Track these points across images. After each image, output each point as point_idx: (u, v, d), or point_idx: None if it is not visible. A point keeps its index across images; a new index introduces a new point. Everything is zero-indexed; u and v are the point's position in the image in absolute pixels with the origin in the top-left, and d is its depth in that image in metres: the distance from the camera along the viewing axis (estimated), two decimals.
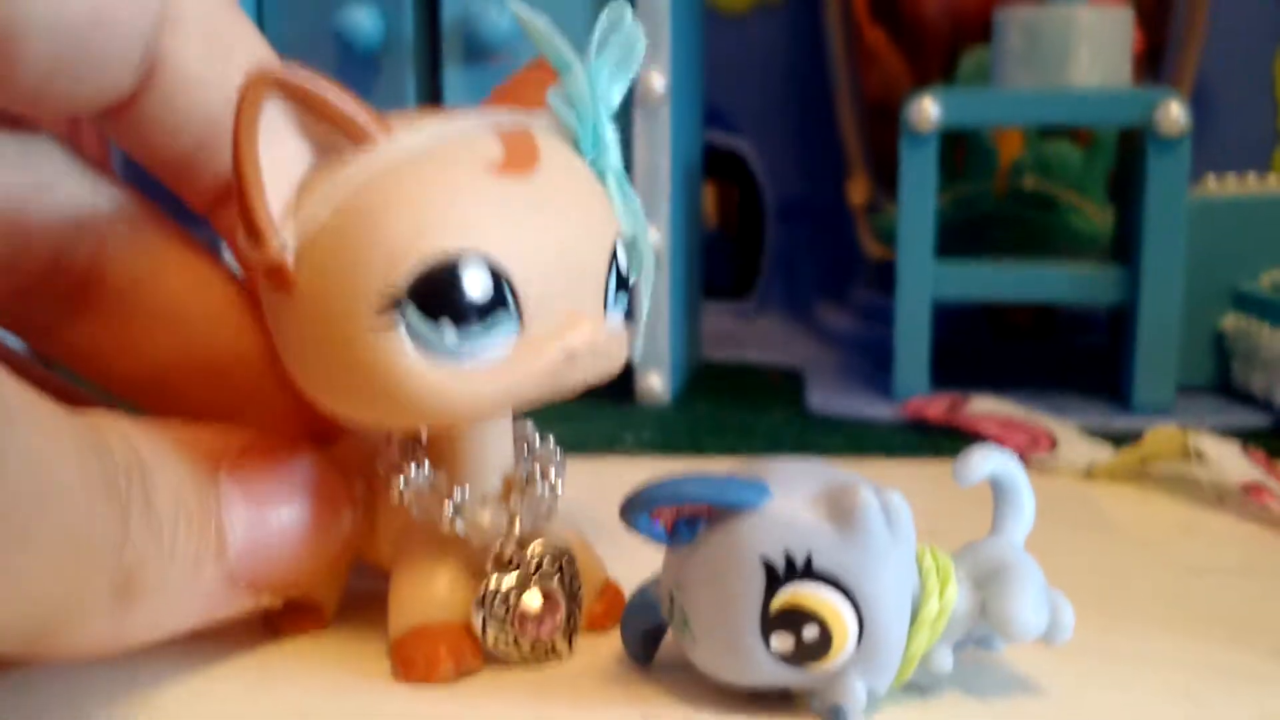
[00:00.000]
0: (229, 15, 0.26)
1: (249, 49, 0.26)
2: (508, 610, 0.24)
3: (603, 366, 0.24)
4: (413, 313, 0.21)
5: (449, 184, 0.22)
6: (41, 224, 0.25)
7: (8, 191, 0.25)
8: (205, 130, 0.26)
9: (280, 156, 0.22)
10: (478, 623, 0.24)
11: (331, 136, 0.22)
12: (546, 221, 0.22)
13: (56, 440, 0.20)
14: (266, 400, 0.27)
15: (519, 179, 0.22)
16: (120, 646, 0.22)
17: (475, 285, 0.21)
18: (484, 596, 0.24)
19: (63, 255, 0.26)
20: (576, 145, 0.24)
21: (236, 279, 0.28)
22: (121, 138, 0.26)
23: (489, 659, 0.25)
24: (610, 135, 0.25)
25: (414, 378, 0.22)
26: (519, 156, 0.23)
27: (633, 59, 0.25)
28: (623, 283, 0.24)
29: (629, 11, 0.24)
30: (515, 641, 0.24)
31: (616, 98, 0.25)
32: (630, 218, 0.25)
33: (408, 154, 0.22)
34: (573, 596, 0.25)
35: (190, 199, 0.28)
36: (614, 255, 0.24)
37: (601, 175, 0.25)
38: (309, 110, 0.22)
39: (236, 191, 0.21)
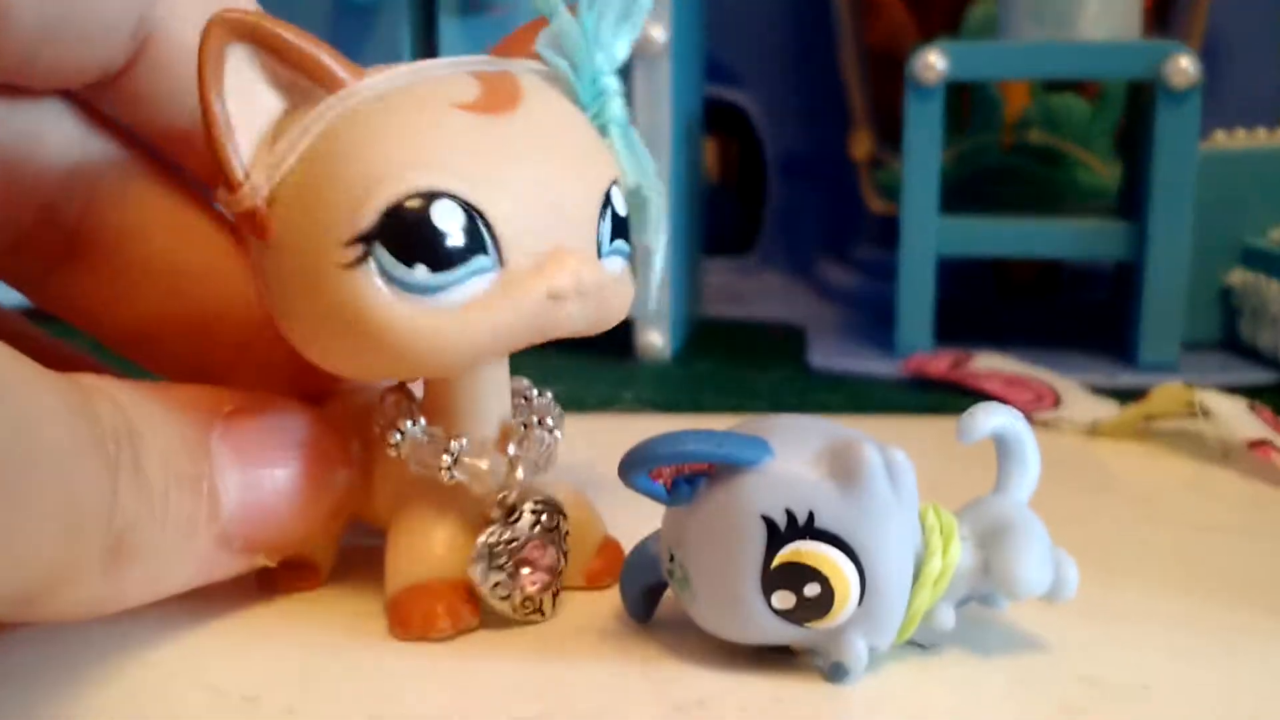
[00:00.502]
0: None
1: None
2: (509, 558, 0.24)
3: (594, 313, 0.23)
4: (382, 251, 0.21)
5: (418, 121, 0.22)
6: (32, 175, 0.25)
7: None
8: None
9: (249, 102, 0.22)
10: (477, 570, 0.24)
11: (300, 81, 0.22)
12: (524, 158, 0.22)
13: (45, 403, 0.19)
14: (259, 354, 0.26)
15: (494, 117, 0.22)
16: (114, 608, 0.22)
17: (447, 222, 0.21)
18: (488, 541, 0.24)
19: (53, 207, 0.26)
20: (574, 96, 0.24)
21: (229, 231, 0.27)
22: (118, 110, 0.26)
23: (485, 615, 0.24)
24: (611, 85, 0.24)
25: (389, 318, 0.21)
26: (496, 96, 0.22)
27: (636, 10, 0.24)
28: (620, 230, 0.24)
29: None
30: (508, 594, 0.24)
31: (620, 50, 0.24)
32: (635, 169, 0.25)
33: (376, 95, 0.22)
34: (562, 555, 0.25)
35: (194, 169, 0.27)
36: (608, 200, 0.23)
37: (603, 127, 0.24)
38: (274, 55, 0.22)
39: (205, 138, 0.21)
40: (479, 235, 0.21)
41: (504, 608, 0.24)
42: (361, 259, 0.21)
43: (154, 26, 0.24)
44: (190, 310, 0.27)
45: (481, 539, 0.24)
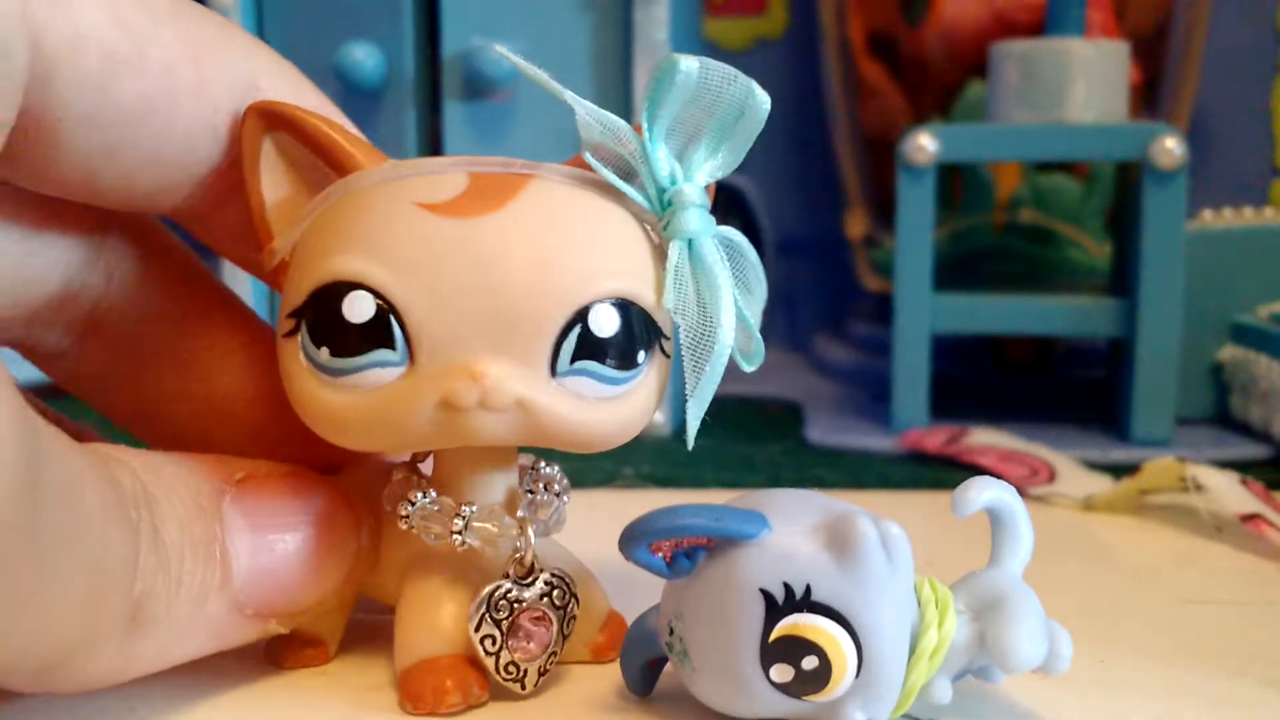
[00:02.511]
0: (314, 103, 0.26)
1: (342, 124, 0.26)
2: (509, 615, 0.24)
3: (529, 429, 0.23)
4: (304, 328, 0.23)
5: (370, 212, 0.23)
6: (53, 254, 0.25)
7: (20, 222, 0.25)
8: None
9: (283, 179, 0.24)
10: (475, 617, 0.24)
11: (319, 162, 0.24)
12: (469, 265, 0.22)
13: (79, 472, 0.20)
14: (270, 439, 0.27)
15: (456, 219, 0.22)
16: (124, 677, 0.22)
17: (354, 312, 0.22)
18: (493, 594, 0.24)
19: (71, 286, 0.26)
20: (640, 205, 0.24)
21: (246, 316, 0.28)
22: (214, 242, 0.27)
23: (494, 690, 0.25)
24: (685, 198, 0.23)
25: (302, 389, 0.23)
26: (476, 197, 0.22)
27: (740, 132, 0.24)
28: (599, 350, 0.23)
29: (684, 62, 0.23)
30: (496, 650, 0.24)
31: (705, 162, 0.24)
32: (689, 291, 0.23)
33: (368, 184, 0.23)
34: (561, 637, 0.25)
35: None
36: (583, 317, 0.22)
37: (669, 238, 0.24)
38: (299, 139, 0.24)
39: (248, 207, 0.24)
40: (387, 330, 0.22)
41: (488, 663, 0.24)
42: (292, 332, 0.23)
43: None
44: (203, 393, 0.27)
45: (488, 588, 0.24)
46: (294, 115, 0.24)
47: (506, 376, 0.22)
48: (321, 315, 0.22)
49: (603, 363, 0.23)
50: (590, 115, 0.23)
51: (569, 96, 0.23)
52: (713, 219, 0.24)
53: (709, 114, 0.24)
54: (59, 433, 0.20)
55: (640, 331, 0.23)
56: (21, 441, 0.18)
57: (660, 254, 0.24)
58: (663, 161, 0.24)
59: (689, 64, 0.23)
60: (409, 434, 0.23)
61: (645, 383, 0.24)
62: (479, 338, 0.22)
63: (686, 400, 0.24)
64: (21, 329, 0.26)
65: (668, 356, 0.24)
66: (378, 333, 0.22)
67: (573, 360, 0.23)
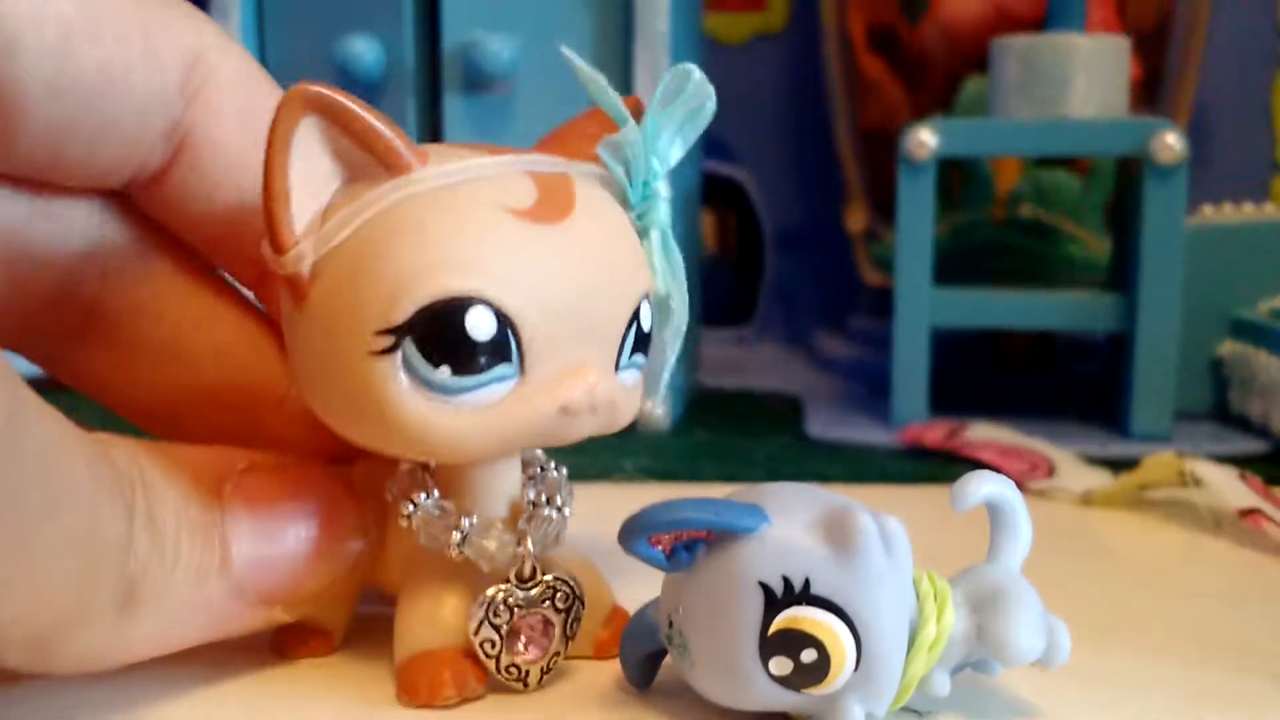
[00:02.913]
0: (263, 86, 0.26)
1: None
2: (509, 620, 0.24)
3: (604, 424, 0.24)
4: (411, 346, 0.21)
5: (469, 221, 0.22)
6: (47, 253, 0.25)
7: (13, 220, 0.25)
8: (243, 203, 0.26)
9: (311, 171, 0.22)
10: (475, 620, 0.24)
11: (364, 159, 0.22)
12: (565, 271, 0.22)
13: (68, 446, 0.20)
14: (272, 432, 0.27)
15: (545, 225, 0.22)
16: (123, 659, 0.22)
17: (478, 329, 0.21)
18: (494, 598, 0.24)
19: (68, 285, 0.26)
20: (624, 197, 0.25)
21: (246, 311, 0.28)
22: (157, 212, 0.27)
23: (492, 684, 0.25)
24: (661, 191, 0.25)
25: (405, 410, 0.22)
26: (551, 203, 0.23)
27: (699, 119, 0.25)
28: (643, 343, 0.24)
29: (696, 72, 0.24)
30: (496, 654, 0.24)
31: (674, 156, 0.25)
32: (668, 276, 0.25)
33: (436, 185, 0.22)
34: (565, 639, 0.25)
35: (235, 272, 0.28)
36: (636, 314, 0.24)
37: (645, 230, 0.25)
38: (344, 131, 0.22)
39: (263, 198, 0.22)
40: (506, 344, 0.22)
41: (489, 665, 0.24)
42: (389, 350, 0.21)
43: (189, 129, 0.25)
44: (205, 388, 0.27)
45: (490, 591, 0.24)
46: (338, 100, 0.22)
47: (603, 378, 0.23)
48: (440, 333, 0.21)
49: (644, 353, 0.24)
50: (614, 112, 0.24)
51: (610, 97, 0.24)
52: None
53: (679, 111, 0.25)
54: (48, 406, 0.20)
55: (654, 319, 0.25)
56: (2, 404, 0.18)
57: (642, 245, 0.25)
58: (654, 162, 0.25)
59: (699, 75, 0.24)
60: (519, 444, 0.23)
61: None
62: (576, 344, 0.23)
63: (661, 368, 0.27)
64: (19, 328, 0.26)
65: None
66: (499, 347, 0.22)
67: (630, 355, 0.24)
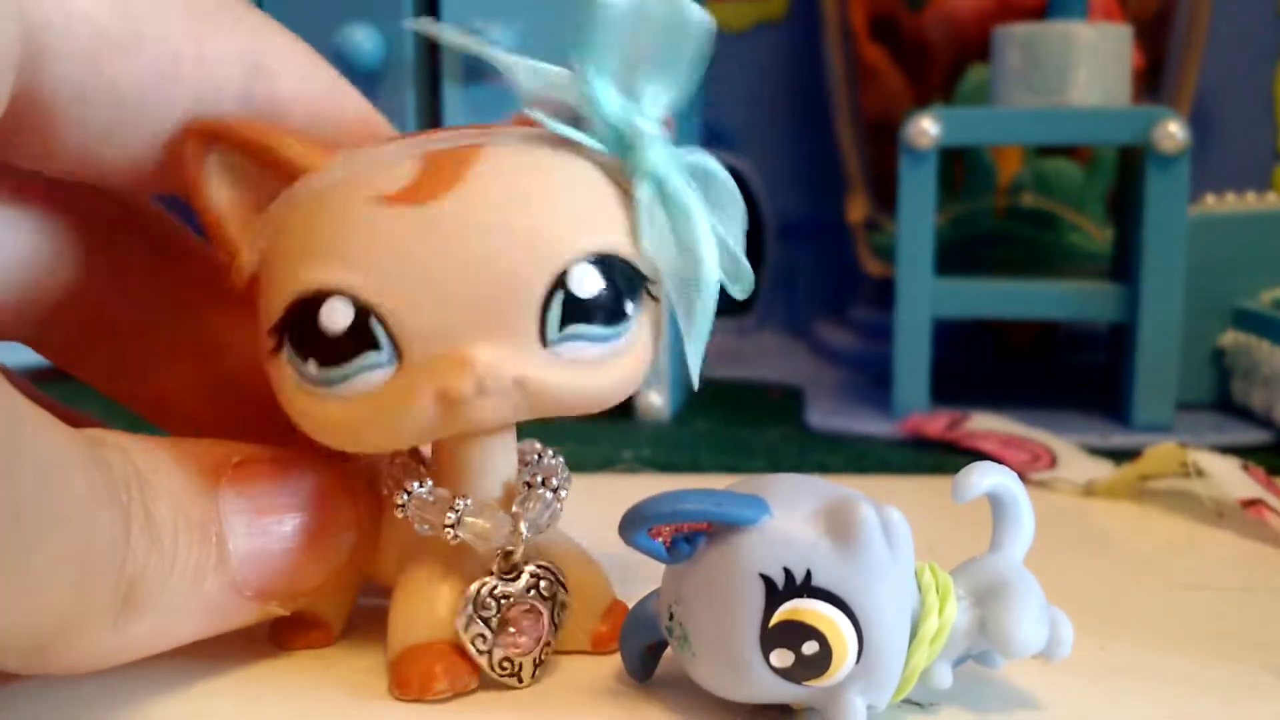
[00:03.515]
0: (328, 85, 0.25)
1: (356, 103, 0.26)
2: (497, 612, 0.24)
3: (527, 405, 0.22)
4: (287, 344, 0.22)
5: (329, 215, 0.22)
6: (59, 248, 0.25)
7: (26, 216, 0.25)
8: None
9: (236, 192, 0.23)
10: (462, 617, 0.24)
11: (266, 172, 0.23)
12: (435, 251, 0.21)
13: (64, 452, 0.20)
14: (283, 427, 0.27)
15: (414, 206, 0.22)
16: (122, 659, 0.22)
17: (333, 320, 0.22)
18: (479, 592, 0.24)
19: (79, 282, 0.26)
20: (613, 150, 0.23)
21: (255, 305, 0.28)
22: None
23: (485, 677, 0.25)
24: (643, 132, 0.23)
25: (298, 404, 0.23)
26: (430, 181, 0.22)
27: (677, 42, 0.23)
28: (588, 312, 0.22)
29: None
30: (488, 649, 0.24)
31: (653, 91, 0.23)
32: (663, 235, 0.23)
33: (321, 184, 0.23)
34: (554, 627, 0.25)
35: None
36: (562, 282, 0.22)
37: (632, 178, 0.23)
38: (242, 153, 0.23)
39: (207, 230, 0.24)
40: (368, 332, 0.22)
41: (481, 662, 0.24)
42: (276, 349, 0.23)
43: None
44: (217, 380, 0.27)
45: (473, 587, 0.24)
46: (229, 130, 0.23)
47: (499, 358, 0.22)
48: (301, 329, 0.22)
49: (591, 323, 0.22)
50: (525, 70, 0.23)
51: (500, 56, 0.23)
52: (677, 150, 0.23)
53: (648, 42, 0.22)
54: (43, 414, 0.20)
55: (624, 283, 0.23)
56: None
57: (628, 197, 0.23)
58: (610, 100, 0.23)
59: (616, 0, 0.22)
60: (411, 432, 0.23)
61: (639, 332, 0.23)
62: (463, 322, 0.22)
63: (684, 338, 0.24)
64: (32, 324, 0.26)
65: (656, 300, 0.24)
66: (361, 337, 0.22)
67: (561, 327, 0.22)
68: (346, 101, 0.26)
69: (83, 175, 0.24)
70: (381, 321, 0.22)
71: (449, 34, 0.23)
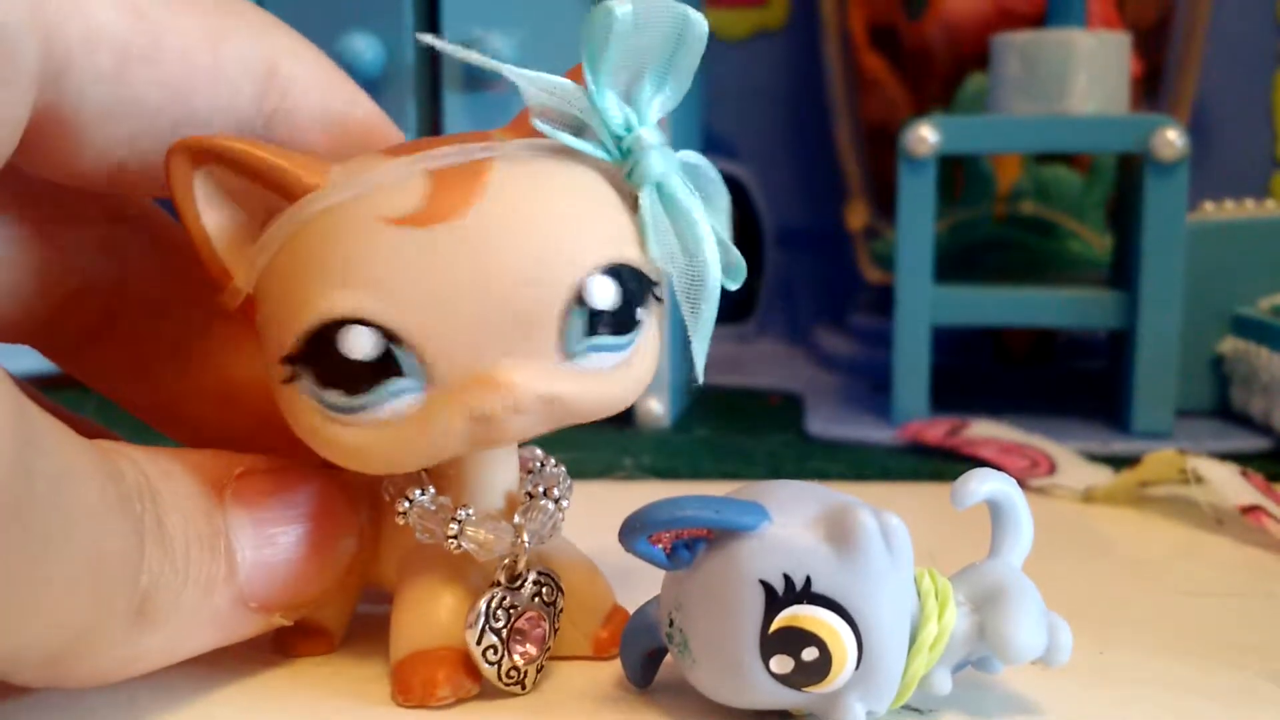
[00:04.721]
0: (342, 88, 0.25)
1: (366, 107, 0.26)
2: (507, 623, 0.24)
3: (557, 417, 0.22)
4: (305, 373, 0.22)
5: (343, 241, 0.22)
6: (70, 252, 0.26)
7: (33, 222, 0.25)
8: None
9: (227, 212, 0.23)
10: (474, 630, 0.24)
11: (263, 190, 0.23)
12: (453, 271, 0.21)
13: (78, 470, 0.20)
14: (279, 425, 0.27)
15: (428, 228, 0.21)
16: (134, 672, 0.22)
17: (356, 349, 0.21)
18: (489, 603, 0.24)
19: (86, 284, 0.26)
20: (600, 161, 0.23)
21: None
22: None
23: (486, 683, 0.25)
24: (644, 140, 0.23)
25: (321, 432, 0.22)
26: (443, 200, 0.22)
27: (680, 50, 0.23)
28: (609, 322, 0.22)
29: (622, 6, 0.22)
30: (498, 659, 0.24)
31: (655, 99, 0.23)
32: (665, 239, 0.23)
33: (325, 206, 0.22)
34: (553, 633, 0.25)
35: None
36: (580, 296, 0.22)
37: (636, 185, 0.23)
38: (237, 171, 0.22)
39: (195, 250, 0.23)
40: (393, 358, 0.21)
41: (490, 673, 0.24)
42: (291, 379, 0.22)
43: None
44: (216, 383, 0.27)
45: (483, 600, 0.24)
46: (223, 147, 0.22)
47: (527, 377, 0.22)
48: (323, 358, 0.22)
49: (609, 333, 0.23)
50: (530, 82, 0.23)
51: (505, 70, 0.22)
52: (673, 154, 0.23)
53: (649, 49, 0.23)
54: (57, 424, 0.20)
55: (635, 290, 0.23)
56: (14, 433, 0.18)
57: (631, 204, 0.23)
58: (614, 110, 0.23)
59: (622, 8, 0.22)
60: (441, 452, 0.23)
61: (648, 336, 0.24)
62: (489, 342, 0.22)
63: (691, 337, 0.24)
64: (40, 327, 0.26)
65: (660, 301, 0.24)
66: (386, 363, 0.21)
67: (581, 339, 0.22)
68: (357, 105, 0.26)
69: (100, 184, 0.24)
70: (408, 346, 0.21)
71: (454, 48, 0.23)
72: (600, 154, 0.23)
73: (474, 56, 0.23)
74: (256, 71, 0.24)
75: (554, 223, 0.22)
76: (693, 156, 0.24)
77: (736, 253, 0.24)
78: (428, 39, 0.23)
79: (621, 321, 0.23)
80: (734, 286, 0.24)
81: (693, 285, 0.23)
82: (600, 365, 0.23)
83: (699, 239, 0.23)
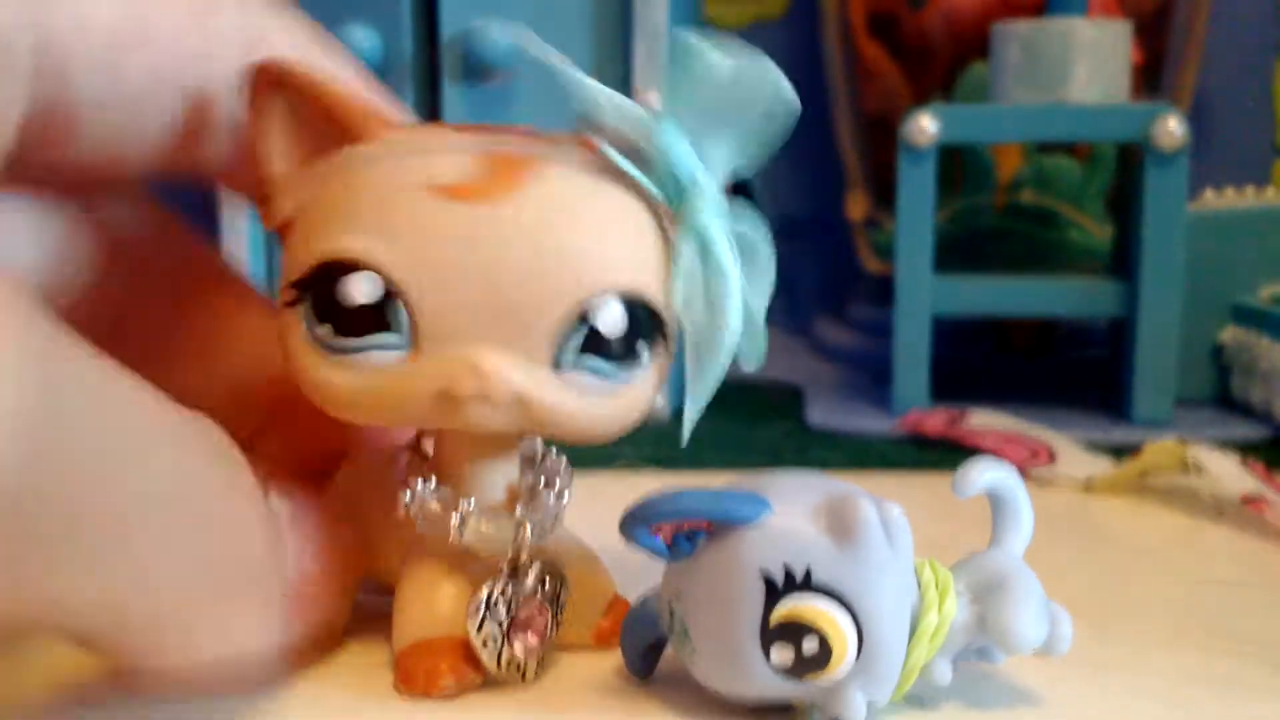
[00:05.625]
0: (329, 57, 0.26)
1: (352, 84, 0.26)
2: (509, 613, 0.24)
3: (525, 420, 0.22)
4: (306, 302, 0.22)
5: (379, 191, 0.22)
6: (80, 256, 0.26)
7: (43, 220, 0.25)
8: None
9: (293, 139, 0.23)
10: (476, 620, 0.24)
11: (329, 126, 0.23)
12: (474, 252, 0.21)
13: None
14: (284, 420, 0.27)
15: (464, 203, 0.22)
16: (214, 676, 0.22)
17: (356, 292, 0.22)
18: (491, 592, 0.24)
19: (98, 282, 0.26)
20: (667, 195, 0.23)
21: (257, 300, 0.28)
22: (238, 185, 0.27)
23: (489, 677, 0.25)
24: (700, 189, 0.23)
25: (306, 364, 0.23)
26: (487, 181, 0.22)
27: (761, 130, 0.23)
28: (606, 347, 0.22)
29: (720, 61, 0.22)
30: (499, 650, 0.24)
31: (721, 158, 0.23)
32: (693, 289, 0.23)
33: (376, 156, 0.23)
34: (556, 624, 0.25)
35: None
36: (588, 312, 0.22)
37: (679, 229, 0.23)
38: (312, 103, 0.23)
39: (254, 166, 0.24)
40: (391, 314, 0.22)
41: (490, 663, 0.24)
42: (293, 303, 0.23)
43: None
44: (224, 382, 0.27)
45: (485, 589, 0.24)
46: (305, 80, 0.23)
47: (508, 370, 0.22)
48: (324, 292, 0.22)
49: (607, 359, 0.23)
50: (604, 97, 0.23)
51: (579, 78, 0.22)
52: (727, 212, 0.23)
53: (734, 108, 0.23)
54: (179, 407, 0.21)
55: (645, 328, 0.23)
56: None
57: (668, 245, 0.23)
58: (681, 149, 0.23)
59: (718, 59, 0.22)
60: (408, 415, 0.23)
61: (646, 378, 0.24)
62: (482, 326, 0.22)
63: (687, 394, 0.24)
64: None
65: (669, 350, 0.24)
66: (381, 315, 0.22)
67: (576, 354, 0.22)
68: (338, 80, 0.26)
69: (98, 172, 0.24)
70: (405, 305, 0.22)
71: (549, 52, 0.23)
72: (651, 186, 0.23)
73: (557, 61, 0.23)
74: (242, 48, 0.24)
75: (582, 234, 0.22)
76: (749, 226, 0.24)
77: (763, 332, 0.24)
78: (532, 43, 0.23)
79: (624, 352, 0.23)
80: (749, 368, 0.25)
81: (704, 342, 0.23)
82: (586, 386, 0.23)
83: (726, 297, 0.23)
